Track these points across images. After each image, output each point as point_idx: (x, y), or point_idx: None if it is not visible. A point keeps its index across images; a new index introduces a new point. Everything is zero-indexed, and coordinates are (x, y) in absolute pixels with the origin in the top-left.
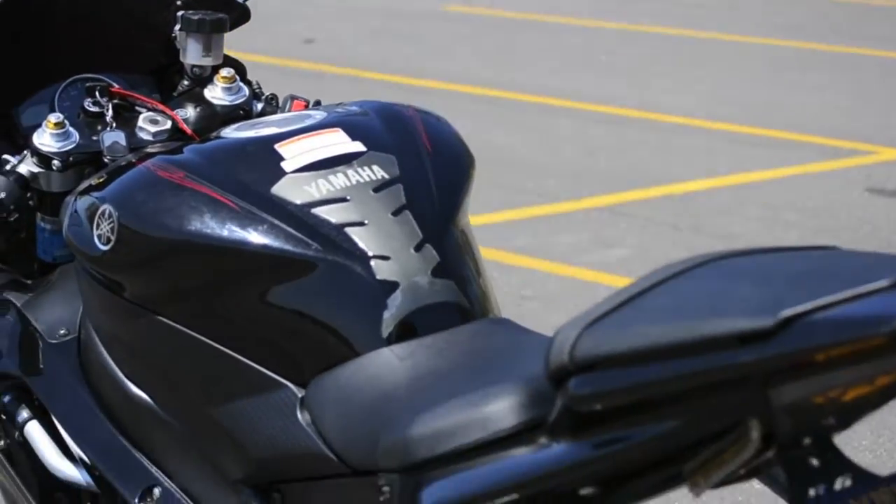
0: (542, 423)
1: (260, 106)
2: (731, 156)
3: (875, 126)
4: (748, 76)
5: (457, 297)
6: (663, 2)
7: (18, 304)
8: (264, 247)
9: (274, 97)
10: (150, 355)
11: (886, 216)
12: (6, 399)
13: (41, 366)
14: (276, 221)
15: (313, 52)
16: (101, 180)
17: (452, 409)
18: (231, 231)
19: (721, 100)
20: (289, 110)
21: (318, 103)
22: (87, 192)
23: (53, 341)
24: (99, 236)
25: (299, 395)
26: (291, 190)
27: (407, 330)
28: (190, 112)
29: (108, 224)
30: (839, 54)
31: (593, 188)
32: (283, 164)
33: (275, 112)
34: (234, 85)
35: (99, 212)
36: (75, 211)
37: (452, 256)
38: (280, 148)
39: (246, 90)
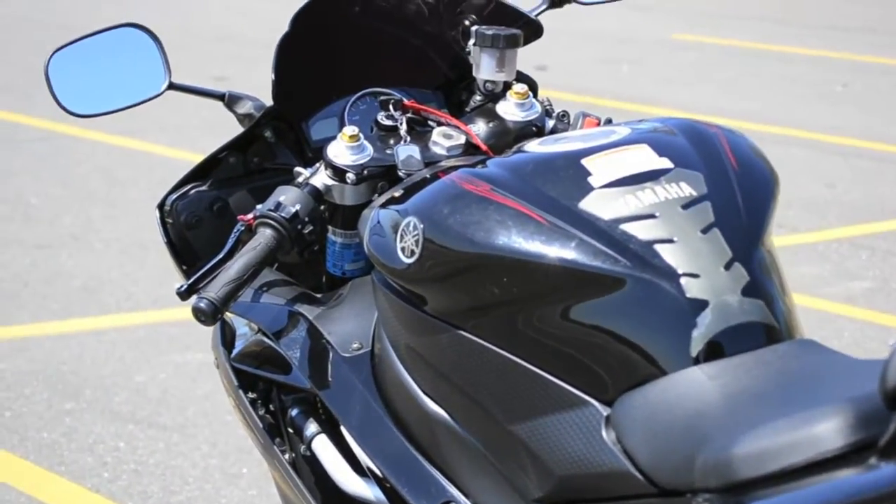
0: (873, 443)
1: (551, 123)
2: None
3: None
4: None
5: (766, 317)
6: (893, 35)
7: (311, 318)
8: (572, 262)
9: (566, 114)
10: (450, 370)
11: None
12: (293, 412)
13: (333, 379)
14: (584, 237)
15: (547, 79)
16: (401, 193)
17: (777, 428)
18: (538, 246)
19: None
20: (580, 127)
21: (609, 121)
22: (388, 204)
23: (346, 354)
24: (402, 249)
25: (604, 413)
26: (599, 205)
27: (715, 349)
28: (482, 127)
29: (413, 236)
30: None
31: (832, 219)
32: (591, 179)
33: (566, 129)
34: (526, 101)
35: (403, 224)
36: (378, 223)
37: (761, 275)
38: (587, 163)
39: (538, 106)
